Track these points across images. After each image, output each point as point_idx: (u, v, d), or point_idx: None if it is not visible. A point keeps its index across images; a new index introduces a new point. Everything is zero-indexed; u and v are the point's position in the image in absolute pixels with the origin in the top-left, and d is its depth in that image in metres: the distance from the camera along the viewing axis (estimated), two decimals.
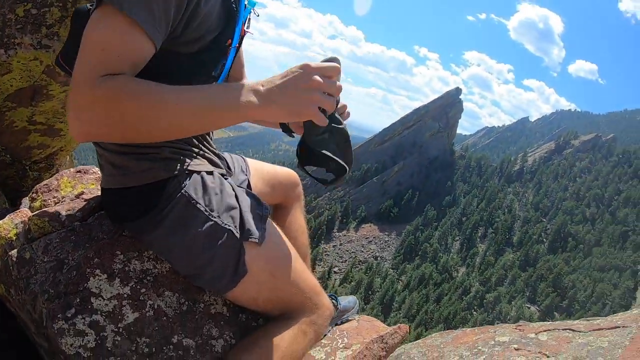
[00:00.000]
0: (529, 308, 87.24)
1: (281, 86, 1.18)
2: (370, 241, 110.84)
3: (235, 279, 1.53)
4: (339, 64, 1.25)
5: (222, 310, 1.70)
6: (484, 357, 1.89)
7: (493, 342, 2.00)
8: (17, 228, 1.72)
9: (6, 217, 1.77)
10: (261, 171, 2.12)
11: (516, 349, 1.89)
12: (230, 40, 1.42)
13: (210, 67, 1.44)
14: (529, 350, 1.84)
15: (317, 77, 1.18)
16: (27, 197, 1.98)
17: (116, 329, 1.45)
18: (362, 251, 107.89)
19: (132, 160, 1.43)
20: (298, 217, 2.26)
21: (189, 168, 1.51)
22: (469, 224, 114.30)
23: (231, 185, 1.61)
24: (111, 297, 1.48)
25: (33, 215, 1.67)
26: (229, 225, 1.49)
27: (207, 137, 1.70)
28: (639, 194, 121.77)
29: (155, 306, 1.54)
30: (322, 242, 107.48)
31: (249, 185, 1.88)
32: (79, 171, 2.02)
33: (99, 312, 1.44)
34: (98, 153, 1.55)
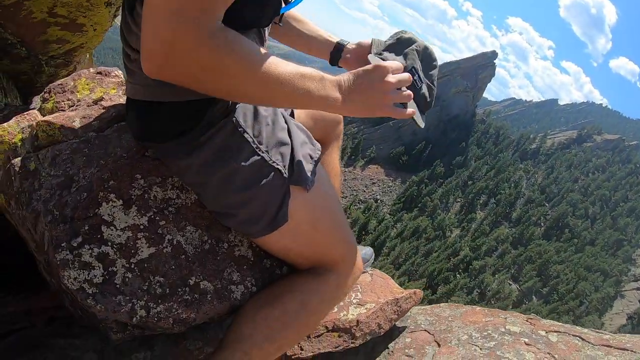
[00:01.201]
0: (510, 285, 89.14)
1: (359, 86, 1.23)
2: (374, 183, 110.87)
3: (273, 225, 1.37)
4: (407, 37, 1.52)
5: (247, 254, 1.53)
6: (494, 343, 1.92)
7: (503, 330, 2.04)
8: (23, 133, 1.56)
9: (12, 120, 1.61)
10: None
11: (526, 344, 1.91)
12: None
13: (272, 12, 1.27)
14: (538, 349, 1.86)
15: (390, 79, 1.25)
16: (39, 96, 1.73)
17: (127, 265, 1.31)
18: (364, 191, 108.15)
19: None
20: (334, 158, 2.10)
21: None
22: (473, 189, 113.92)
23: (284, 117, 1.44)
24: (125, 227, 1.33)
25: (42, 120, 1.48)
26: (278, 164, 1.33)
27: None
28: None
29: (175, 242, 1.39)
30: None
31: (292, 114, 1.73)
32: (100, 72, 1.78)
33: (109, 244, 1.30)
34: (128, 56, 1.26)
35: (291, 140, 1.40)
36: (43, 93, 1.71)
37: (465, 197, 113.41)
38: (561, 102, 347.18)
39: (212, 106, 1.23)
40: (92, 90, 1.68)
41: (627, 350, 1.86)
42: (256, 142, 1.31)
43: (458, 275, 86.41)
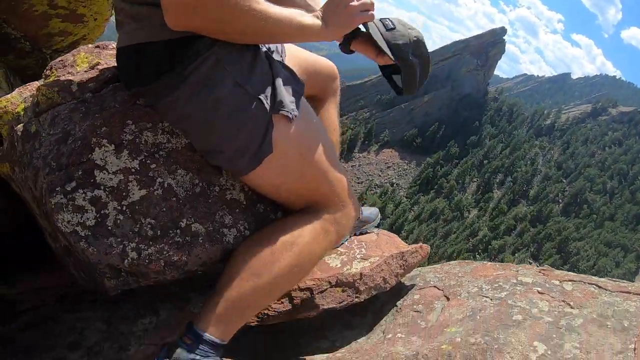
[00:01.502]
0: (530, 263, 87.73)
1: (330, 12, 1.40)
2: (389, 167, 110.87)
3: (259, 156, 1.40)
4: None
5: (239, 197, 1.55)
6: (506, 294, 1.87)
7: (515, 281, 1.97)
8: (25, 102, 1.63)
9: (15, 91, 1.69)
10: (298, 56, 1.93)
11: (539, 292, 1.85)
12: None
13: None
14: (552, 297, 1.81)
15: (354, 3, 1.41)
16: (42, 74, 1.74)
17: (119, 207, 1.34)
18: (380, 175, 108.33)
19: (160, 10, 1.20)
20: (332, 113, 2.12)
21: None
22: (489, 168, 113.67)
23: (266, 54, 1.48)
24: (117, 170, 1.37)
25: (41, 85, 1.55)
26: (259, 95, 1.37)
27: None
28: None
29: (165, 185, 1.42)
30: (342, 160, 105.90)
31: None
32: (98, 46, 1.83)
33: (102, 187, 1.34)
34: (117, 8, 1.40)
35: (272, 73, 1.43)
36: (45, 70, 1.71)
37: (481, 176, 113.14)
38: (574, 76, 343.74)
39: (195, 42, 1.29)
40: (91, 62, 1.71)
41: None
42: (238, 75, 1.34)
43: (477, 256, 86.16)
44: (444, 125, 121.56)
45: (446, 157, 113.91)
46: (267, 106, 1.37)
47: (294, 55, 1.87)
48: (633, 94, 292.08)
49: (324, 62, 2.09)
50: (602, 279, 1.99)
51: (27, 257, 1.93)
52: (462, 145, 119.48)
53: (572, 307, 1.76)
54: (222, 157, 1.44)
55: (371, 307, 2.10)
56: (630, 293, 1.82)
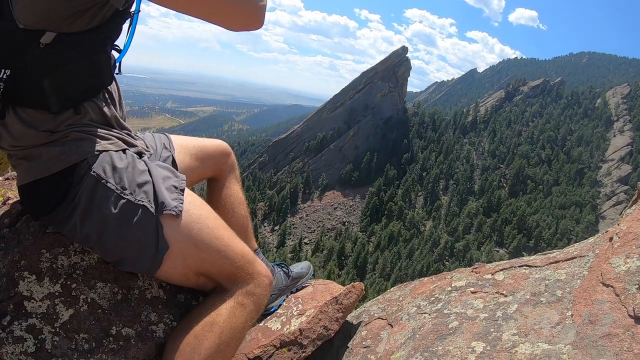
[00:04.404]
0: (497, 251, 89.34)
1: None
2: (336, 208, 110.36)
3: (159, 256, 1.51)
4: None
5: (159, 294, 1.70)
6: (441, 304, 1.96)
7: (450, 288, 2.07)
8: None
9: None
10: (187, 146, 2.03)
11: (472, 292, 1.94)
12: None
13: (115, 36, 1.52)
14: (485, 292, 1.90)
15: None
16: None
17: (53, 330, 1.45)
18: (329, 219, 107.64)
19: (42, 149, 1.41)
20: (234, 189, 2.20)
21: (98, 148, 1.48)
22: (429, 179, 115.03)
23: (144, 162, 1.59)
24: (43, 297, 1.47)
25: None
26: (142, 201, 1.48)
27: (119, 119, 1.64)
28: (590, 132, 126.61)
29: (89, 299, 1.53)
30: (289, 215, 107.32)
31: (173, 162, 1.85)
32: (7, 178, 2.04)
33: (34, 315, 1.44)
34: (9, 155, 1.52)
35: (152, 178, 1.53)
36: None
37: (425, 188, 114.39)
38: (480, 70, 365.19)
39: (76, 170, 1.43)
40: (4, 196, 1.89)
41: (575, 257, 1.87)
42: (119, 188, 1.46)
43: (447, 263, 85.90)
44: (376, 153, 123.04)
45: (386, 181, 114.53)
46: (152, 209, 1.49)
47: (181, 145, 1.99)
48: (537, 68, 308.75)
49: (214, 143, 2.15)
50: (532, 257, 2.10)
51: None
52: (399, 166, 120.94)
53: (505, 296, 1.82)
54: (128, 264, 1.56)
55: (328, 355, 2.19)
56: (558, 262, 1.89)
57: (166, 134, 2.03)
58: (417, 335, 1.82)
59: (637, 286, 1.51)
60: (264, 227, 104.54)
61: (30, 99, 1.40)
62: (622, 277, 1.57)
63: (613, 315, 1.47)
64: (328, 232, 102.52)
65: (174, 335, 1.57)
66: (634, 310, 1.44)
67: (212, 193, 2.15)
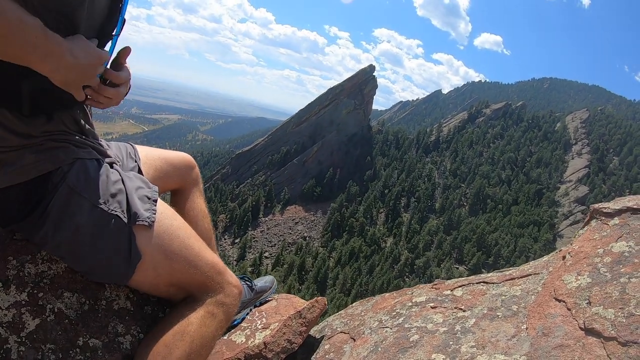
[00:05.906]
0: (457, 268, 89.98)
1: (81, 49, 1.25)
2: (297, 222, 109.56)
3: (131, 266, 1.50)
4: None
5: (126, 305, 1.67)
6: (402, 319, 2.02)
7: (410, 304, 2.15)
8: None
9: None
10: (152, 157, 2.02)
11: (432, 307, 2.02)
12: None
13: None
14: (445, 307, 1.98)
15: (100, 68, 1.35)
16: None
17: (19, 339, 1.41)
18: (291, 233, 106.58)
19: (16, 154, 1.34)
20: (198, 202, 2.22)
21: (73, 156, 1.45)
22: (391, 196, 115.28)
23: (118, 171, 1.59)
24: (9, 305, 1.42)
25: None
26: (116, 211, 1.47)
27: (92, 129, 1.63)
28: (549, 154, 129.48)
29: (56, 309, 1.49)
30: (250, 228, 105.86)
31: (139, 172, 1.85)
32: None
33: None
34: None
35: (125, 188, 1.53)
36: None
37: (386, 205, 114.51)
38: (444, 91, 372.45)
39: (50, 178, 1.39)
40: None
41: (530, 275, 1.98)
42: (93, 197, 1.44)
43: (407, 279, 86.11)
44: (339, 169, 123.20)
45: (349, 197, 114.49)
46: (125, 220, 1.48)
47: (146, 156, 1.98)
48: (500, 91, 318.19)
49: (178, 155, 2.17)
50: (490, 274, 2.19)
51: None
52: (361, 182, 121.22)
53: (464, 311, 1.90)
54: (99, 274, 1.56)
55: None
56: (514, 279, 2.01)
57: (131, 143, 2.02)
58: (380, 349, 1.88)
59: (587, 301, 1.61)
60: (225, 239, 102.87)
61: (7, 100, 1.31)
62: (574, 293, 1.68)
63: (565, 328, 1.57)
64: (289, 246, 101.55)
65: (143, 346, 1.56)
66: (584, 323, 1.54)
67: (176, 205, 2.12)
